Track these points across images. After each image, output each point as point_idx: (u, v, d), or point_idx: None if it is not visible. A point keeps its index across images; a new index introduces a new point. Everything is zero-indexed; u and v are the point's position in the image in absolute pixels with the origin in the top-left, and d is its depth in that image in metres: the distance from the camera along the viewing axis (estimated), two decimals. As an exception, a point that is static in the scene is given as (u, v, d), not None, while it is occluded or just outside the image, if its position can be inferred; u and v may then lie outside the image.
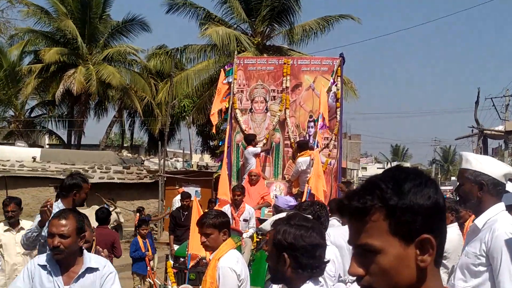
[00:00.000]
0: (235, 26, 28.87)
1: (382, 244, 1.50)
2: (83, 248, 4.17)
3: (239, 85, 12.37)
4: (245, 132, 12.14)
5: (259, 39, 28.03)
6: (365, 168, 75.91)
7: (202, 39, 27.59)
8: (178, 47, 30.42)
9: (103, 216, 9.86)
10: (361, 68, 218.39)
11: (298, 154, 11.47)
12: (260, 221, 9.96)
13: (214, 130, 13.46)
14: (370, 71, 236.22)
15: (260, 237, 9.58)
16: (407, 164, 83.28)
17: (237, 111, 12.27)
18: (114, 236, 10.00)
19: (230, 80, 12.24)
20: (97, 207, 16.50)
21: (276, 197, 6.92)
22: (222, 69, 13.00)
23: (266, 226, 3.90)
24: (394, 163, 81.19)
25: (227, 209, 9.56)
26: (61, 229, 3.96)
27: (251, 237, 9.71)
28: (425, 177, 1.56)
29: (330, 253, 4.22)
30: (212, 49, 28.41)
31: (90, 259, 4.12)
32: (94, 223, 12.84)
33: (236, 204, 9.76)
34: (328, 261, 3.03)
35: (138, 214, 16.15)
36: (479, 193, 3.65)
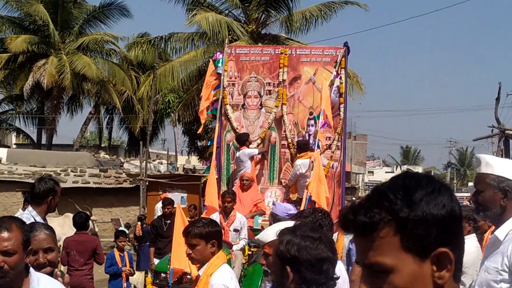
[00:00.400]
0: (227, 12, 29.01)
1: (394, 262, 1.50)
2: (29, 266, 3.61)
3: (230, 78, 12.27)
4: (237, 130, 12.06)
5: (254, 27, 28.12)
6: (372, 172, 75.91)
7: (190, 26, 27.71)
8: (162, 36, 30.62)
9: (81, 221, 10.15)
10: (368, 61, 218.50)
11: (297, 155, 11.43)
12: (253, 231, 9.90)
13: (201, 130, 13.43)
14: (378, 63, 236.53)
15: (252, 249, 9.53)
16: (419, 168, 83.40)
17: (228, 107, 12.16)
18: (95, 241, 10.42)
19: (219, 71, 12.16)
20: (70, 214, 16.53)
21: (273, 204, 6.88)
22: (210, 59, 12.91)
23: (264, 236, 3.84)
24: (405, 167, 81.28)
25: (215, 217, 9.36)
26: (3, 245, 3.38)
27: (242, 249, 9.62)
28: (438, 183, 1.57)
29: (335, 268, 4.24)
30: (201, 37, 28.57)
31: (39, 281, 3.51)
32: (69, 230, 12.89)
33: (225, 212, 9.67)
34: (338, 278, 3.01)
35: (139, 223, 16.10)
36: (503, 201, 3.61)
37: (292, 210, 6.69)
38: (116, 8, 35.56)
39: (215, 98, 12.16)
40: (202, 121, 12.44)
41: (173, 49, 30.62)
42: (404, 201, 1.50)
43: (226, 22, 26.48)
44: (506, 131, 31.59)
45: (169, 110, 30.92)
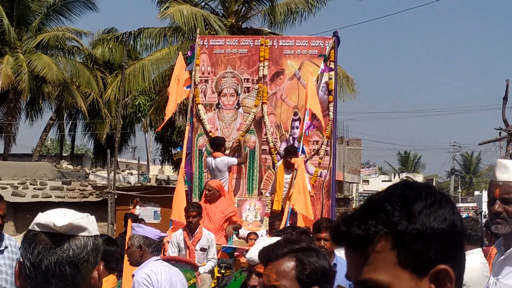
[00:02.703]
0: (203, 4, 29.03)
1: (390, 279, 1.51)
2: None
3: (203, 73, 12.18)
4: (210, 134, 11.93)
5: (233, 20, 28.12)
6: (367, 181, 75.92)
7: (162, 20, 27.54)
8: (131, 31, 30.36)
9: None
10: (361, 58, 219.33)
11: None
12: (226, 250, 9.77)
13: (160, 128, 13.28)
14: (372, 60, 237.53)
15: (223, 271, 9.33)
16: (420, 176, 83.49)
17: (200, 106, 12.06)
18: None
19: (191, 69, 12.09)
20: None
21: (138, 226, 6.68)
22: (180, 52, 12.78)
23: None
24: (403, 175, 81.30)
25: (179, 234, 9.31)
26: None
27: (211, 272, 9.36)
28: (439, 194, 1.58)
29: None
30: (174, 33, 28.56)
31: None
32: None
33: (190, 228, 9.39)
34: None
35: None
36: None
37: (161, 233, 6.75)
38: (80, 0, 35.30)
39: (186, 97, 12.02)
40: (166, 117, 12.44)
41: (144, 46, 30.52)
42: (402, 213, 1.51)
43: (203, 15, 26.47)
44: (515, 134, 31.60)
45: (139, 114, 31.00)
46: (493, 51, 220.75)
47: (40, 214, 2.28)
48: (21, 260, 2.30)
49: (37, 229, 2.24)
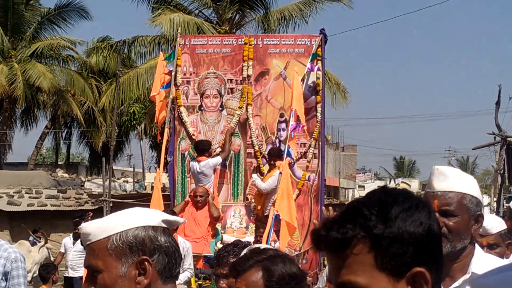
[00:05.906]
0: (197, 11, 28.85)
1: (368, 281, 1.56)
2: None
3: (184, 74, 11.77)
4: (193, 137, 11.50)
5: (227, 28, 27.79)
6: (363, 186, 75.54)
7: (154, 28, 27.37)
8: (126, 39, 30.24)
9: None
10: (355, 63, 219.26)
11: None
12: (206, 260, 9.38)
13: (159, 137, 12.89)
14: (365, 66, 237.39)
15: (201, 282, 8.98)
16: (415, 181, 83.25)
17: (182, 109, 11.65)
18: None
19: (172, 68, 11.65)
20: (25, 242, 16.27)
21: None
22: (161, 54, 12.50)
23: None
24: (399, 180, 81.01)
25: None
26: None
27: (187, 282, 8.84)
28: (416, 199, 1.64)
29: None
30: (168, 40, 28.14)
31: None
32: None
33: None
34: None
35: None
36: (473, 229, 3.24)
37: None
38: (74, 9, 35.08)
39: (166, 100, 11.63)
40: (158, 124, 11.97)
41: (138, 54, 30.69)
42: (379, 217, 1.57)
43: (196, 23, 26.21)
44: (508, 138, 31.11)
45: (134, 122, 31.32)
46: (485, 57, 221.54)
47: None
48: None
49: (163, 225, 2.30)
